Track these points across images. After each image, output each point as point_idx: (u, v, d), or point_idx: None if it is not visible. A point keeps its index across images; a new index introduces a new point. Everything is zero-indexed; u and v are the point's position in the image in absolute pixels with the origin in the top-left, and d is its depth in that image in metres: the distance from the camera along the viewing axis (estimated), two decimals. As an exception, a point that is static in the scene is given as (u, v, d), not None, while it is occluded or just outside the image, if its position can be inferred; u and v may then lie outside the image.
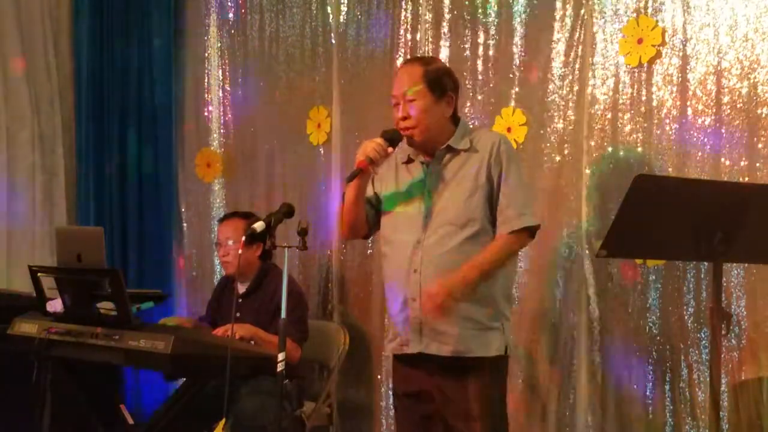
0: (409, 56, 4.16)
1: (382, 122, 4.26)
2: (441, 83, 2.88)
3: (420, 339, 2.85)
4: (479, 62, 3.90)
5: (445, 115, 2.90)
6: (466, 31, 3.95)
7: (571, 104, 3.64)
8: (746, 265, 3.16)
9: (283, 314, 3.01)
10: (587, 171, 3.57)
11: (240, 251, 3.38)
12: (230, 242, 3.96)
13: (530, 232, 2.84)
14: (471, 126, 3.02)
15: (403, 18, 4.20)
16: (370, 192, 3.04)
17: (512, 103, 3.77)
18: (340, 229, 3.15)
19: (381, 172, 3.00)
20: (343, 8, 4.44)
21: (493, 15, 3.86)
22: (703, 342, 3.24)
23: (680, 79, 3.34)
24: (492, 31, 3.87)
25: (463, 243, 2.80)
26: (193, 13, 5.08)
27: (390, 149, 2.88)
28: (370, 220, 3.03)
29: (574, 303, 3.56)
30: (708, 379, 3.11)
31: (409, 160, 2.97)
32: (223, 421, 3.14)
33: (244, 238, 3.12)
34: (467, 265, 2.77)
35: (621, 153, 3.49)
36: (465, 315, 2.80)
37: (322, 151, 4.52)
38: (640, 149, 3.44)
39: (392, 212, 2.97)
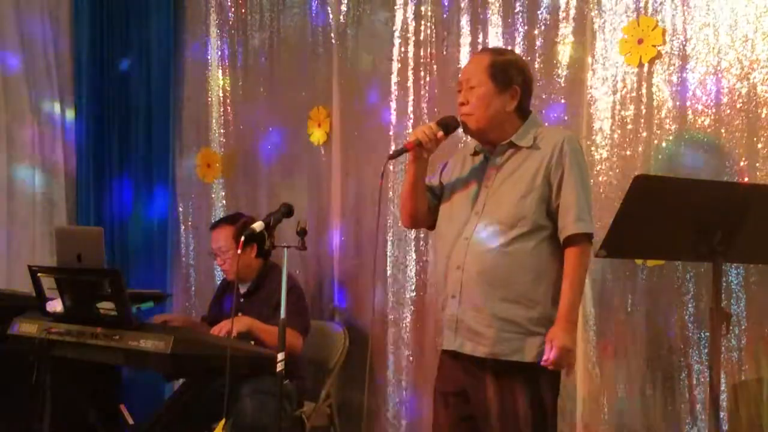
0: (410, 56, 4.17)
1: (383, 122, 4.28)
2: (507, 75, 2.80)
3: (455, 337, 2.78)
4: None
5: (507, 108, 2.81)
6: (467, 31, 3.95)
7: (571, 104, 3.64)
8: (746, 265, 3.15)
9: (283, 314, 3.01)
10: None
11: (239, 251, 3.36)
12: (222, 250, 3.96)
13: (588, 237, 2.74)
14: (540, 123, 2.93)
15: (403, 18, 4.20)
16: (436, 182, 2.98)
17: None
18: (401, 217, 3.10)
19: (450, 163, 2.96)
20: (343, 8, 4.44)
21: (494, 15, 3.86)
22: (703, 342, 3.24)
23: (680, 79, 3.34)
24: (493, 32, 3.87)
25: (511, 243, 2.71)
26: (193, 13, 5.08)
27: (440, 134, 2.81)
28: (433, 210, 2.96)
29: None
30: (708, 379, 3.10)
31: (476, 153, 2.91)
32: (223, 421, 3.14)
33: (243, 239, 3.12)
34: (563, 310, 2.67)
35: (621, 153, 3.48)
36: (504, 316, 2.71)
37: (322, 151, 4.53)
38: (640, 149, 3.44)
39: (449, 204, 2.91)
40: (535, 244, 2.73)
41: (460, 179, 2.92)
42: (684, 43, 3.33)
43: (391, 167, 4.21)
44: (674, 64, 3.36)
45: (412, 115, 4.17)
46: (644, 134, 3.43)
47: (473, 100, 2.80)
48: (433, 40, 4.08)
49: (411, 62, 4.17)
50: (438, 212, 2.96)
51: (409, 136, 2.85)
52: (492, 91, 2.80)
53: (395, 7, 4.22)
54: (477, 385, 2.76)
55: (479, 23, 3.91)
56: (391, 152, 2.85)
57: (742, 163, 3.19)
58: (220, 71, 4.95)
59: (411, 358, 4.14)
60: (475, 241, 2.75)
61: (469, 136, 2.97)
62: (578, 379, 3.55)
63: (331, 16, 4.49)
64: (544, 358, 2.66)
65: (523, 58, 3.74)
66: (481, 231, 2.75)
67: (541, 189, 2.74)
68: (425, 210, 2.95)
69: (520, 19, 3.78)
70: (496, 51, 2.95)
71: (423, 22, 4.12)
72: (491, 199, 2.79)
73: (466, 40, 3.95)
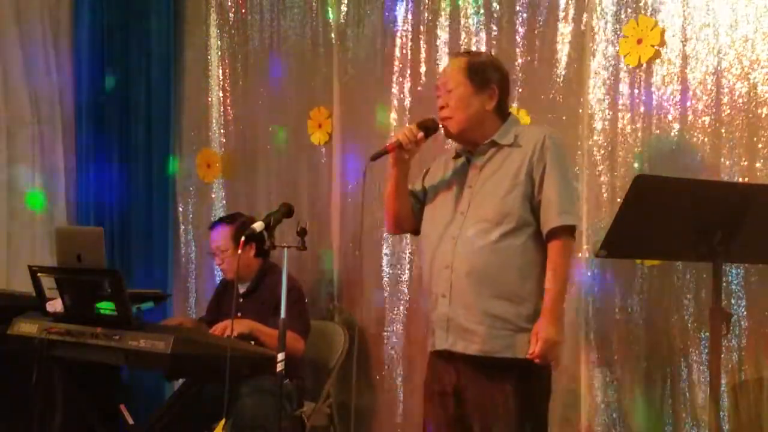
0: (409, 57, 4.17)
1: (383, 122, 4.28)
2: (484, 75, 2.83)
3: (446, 336, 2.79)
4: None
5: (486, 108, 2.83)
6: (467, 31, 3.95)
7: (571, 104, 3.64)
8: (746, 265, 3.15)
9: (283, 314, 3.01)
10: (587, 171, 3.57)
11: (239, 251, 3.36)
12: (221, 250, 3.97)
13: (571, 231, 2.74)
14: (520, 122, 2.95)
15: (402, 18, 4.20)
16: (419, 186, 3.01)
17: (515, 104, 3.75)
18: (385, 222, 3.12)
19: (432, 167, 2.98)
20: (343, 8, 4.43)
21: (494, 15, 3.86)
22: (703, 342, 3.24)
23: (680, 79, 3.34)
24: (493, 32, 3.86)
25: (498, 240, 2.72)
26: (193, 13, 5.08)
27: (421, 135, 2.84)
28: (416, 214, 2.98)
29: (573, 303, 3.55)
30: (708, 379, 3.10)
31: (458, 155, 2.93)
32: (223, 421, 3.14)
33: (243, 238, 3.12)
34: (547, 303, 2.67)
35: (621, 153, 3.48)
36: (494, 313, 2.72)
37: (323, 151, 4.52)
38: (640, 149, 3.44)
39: (432, 206, 2.93)
40: (523, 241, 2.75)
41: (443, 181, 2.94)
42: (684, 43, 3.33)
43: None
44: (674, 64, 3.36)
45: (411, 116, 4.16)
46: (644, 134, 3.43)
47: (452, 103, 2.82)
48: (433, 40, 4.07)
49: (411, 62, 4.17)
50: (422, 216, 2.99)
51: (390, 138, 2.86)
52: (470, 92, 2.82)
53: (395, 8, 4.22)
54: (469, 383, 2.77)
55: (479, 23, 3.91)
56: (372, 154, 2.87)
57: (742, 163, 3.19)
58: (220, 71, 4.95)
59: (409, 357, 4.13)
60: (462, 241, 2.77)
61: (451, 140, 2.98)
62: (580, 379, 3.55)
63: (331, 16, 4.49)
64: (530, 351, 2.67)
65: (524, 58, 3.77)
66: (468, 230, 2.77)
67: (525, 185, 2.76)
68: (408, 214, 2.98)
69: (520, 19, 3.78)
70: (472, 53, 3.01)
71: (422, 23, 4.11)
72: (475, 198, 2.81)
73: (466, 40, 3.95)
